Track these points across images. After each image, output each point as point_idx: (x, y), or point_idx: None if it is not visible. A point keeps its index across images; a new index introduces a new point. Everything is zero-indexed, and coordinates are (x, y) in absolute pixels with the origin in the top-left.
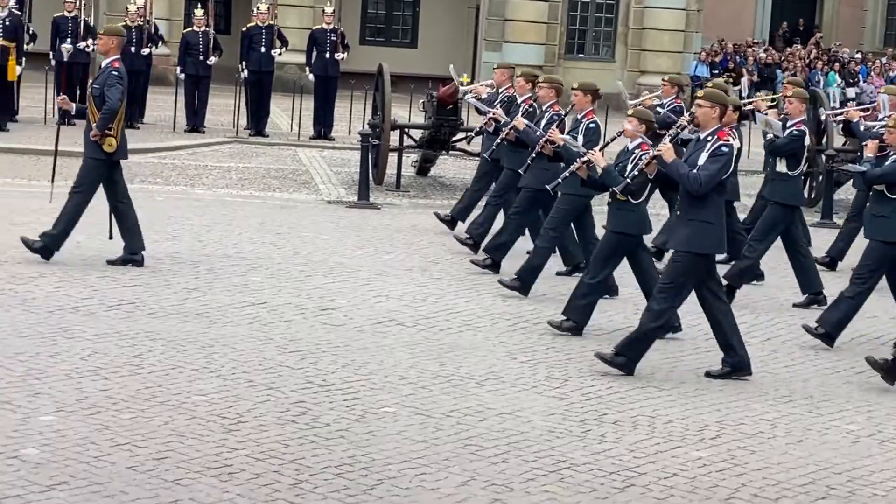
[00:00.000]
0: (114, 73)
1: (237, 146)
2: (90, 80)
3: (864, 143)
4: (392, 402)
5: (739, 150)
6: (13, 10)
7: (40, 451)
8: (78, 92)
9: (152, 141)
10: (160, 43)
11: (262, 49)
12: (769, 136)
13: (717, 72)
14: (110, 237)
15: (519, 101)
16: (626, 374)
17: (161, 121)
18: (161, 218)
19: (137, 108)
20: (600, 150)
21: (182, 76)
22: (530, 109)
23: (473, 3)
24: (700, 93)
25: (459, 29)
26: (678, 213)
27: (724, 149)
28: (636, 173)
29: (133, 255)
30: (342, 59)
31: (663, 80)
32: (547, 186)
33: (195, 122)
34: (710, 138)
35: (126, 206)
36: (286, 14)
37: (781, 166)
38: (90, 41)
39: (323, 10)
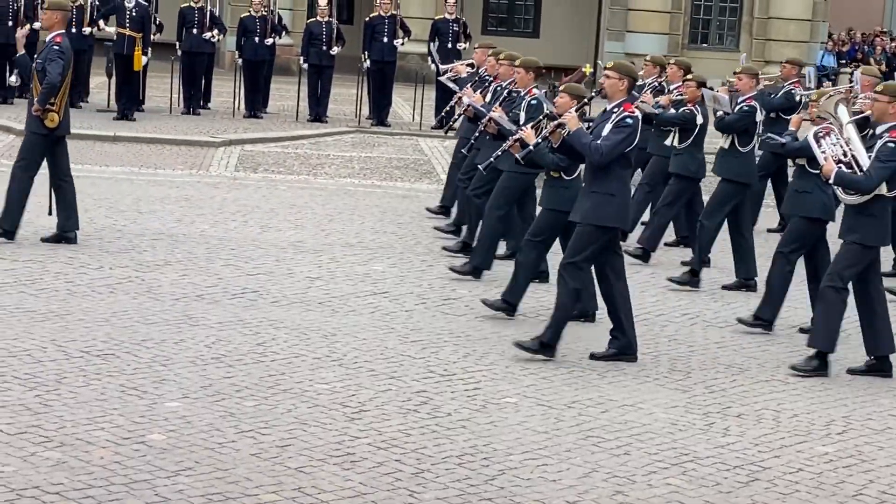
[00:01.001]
0: (55, 48)
1: (359, 136)
2: (36, 56)
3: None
4: (513, 393)
5: (704, 125)
6: (141, 0)
7: (166, 437)
8: (203, 82)
9: (275, 130)
10: (283, 33)
11: (385, 39)
12: (719, 112)
13: (844, 61)
14: (49, 213)
15: (489, 79)
16: (549, 359)
17: (284, 110)
18: (284, 207)
19: (261, 97)
20: (532, 128)
21: (305, 66)
22: (498, 88)
23: None
24: (609, 64)
25: (582, 18)
26: (583, 185)
27: (628, 120)
28: (539, 140)
29: (66, 233)
30: (464, 49)
31: (645, 60)
32: (479, 166)
33: (318, 111)
34: (615, 109)
35: (67, 183)
36: (409, 4)
37: (727, 142)
38: (215, 31)
39: (445, 0)
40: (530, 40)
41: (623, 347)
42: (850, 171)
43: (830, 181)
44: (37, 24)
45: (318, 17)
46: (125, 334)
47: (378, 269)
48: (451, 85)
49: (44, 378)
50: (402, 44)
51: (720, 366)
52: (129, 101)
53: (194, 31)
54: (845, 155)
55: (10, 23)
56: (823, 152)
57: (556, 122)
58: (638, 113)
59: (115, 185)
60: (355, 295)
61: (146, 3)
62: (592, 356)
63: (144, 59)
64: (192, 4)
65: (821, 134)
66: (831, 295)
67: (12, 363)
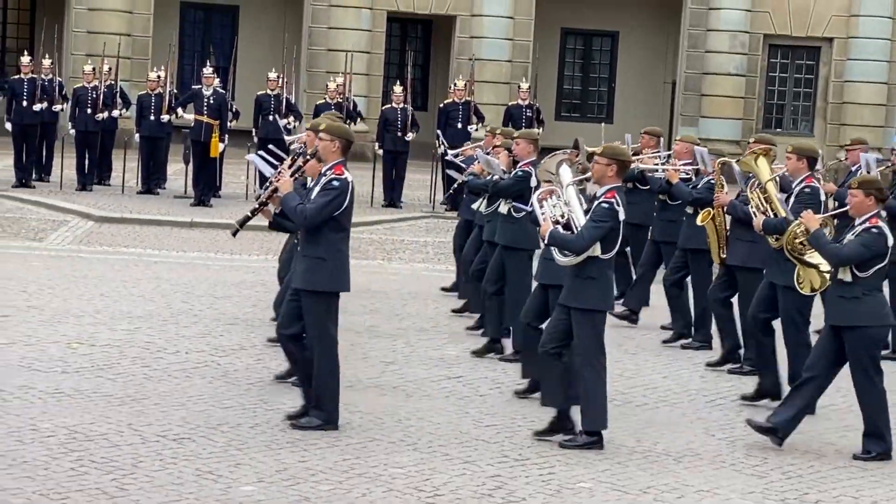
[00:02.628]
0: None
1: (434, 221)
2: None
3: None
4: (588, 478)
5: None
6: (218, 88)
7: None
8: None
9: None
10: (359, 119)
11: (459, 125)
12: (494, 176)
13: None
14: None
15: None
16: (331, 429)
17: (359, 196)
18: (359, 291)
19: None
20: (267, 198)
21: (380, 152)
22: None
23: (670, 79)
24: (322, 126)
25: (655, 104)
26: (298, 249)
27: (335, 183)
28: (256, 206)
29: None
30: (538, 134)
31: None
32: (230, 231)
33: (392, 197)
34: (326, 172)
35: None
36: (483, 90)
37: (505, 208)
38: (291, 118)
39: (519, 86)
40: (604, 126)
41: (328, 420)
42: (568, 232)
43: (545, 241)
44: (115, 112)
45: (393, 104)
46: (201, 418)
47: (452, 353)
48: (266, 160)
49: (120, 462)
50: (476, 129)
51: (797, 451)
52: (206, 187)
53: (270, 117)
54: (563, 216)
55: (89, 110)
56: (543, 213)
57: (272, 188)
58: (347, 175)
59: (192, 270)
60: (430, 379)
61: (224, 91)
62: (293, 426)
63: (221, 146)
64: (269, 92)
65: (542, 196)
66: (589, 372)
67: (89, 447)
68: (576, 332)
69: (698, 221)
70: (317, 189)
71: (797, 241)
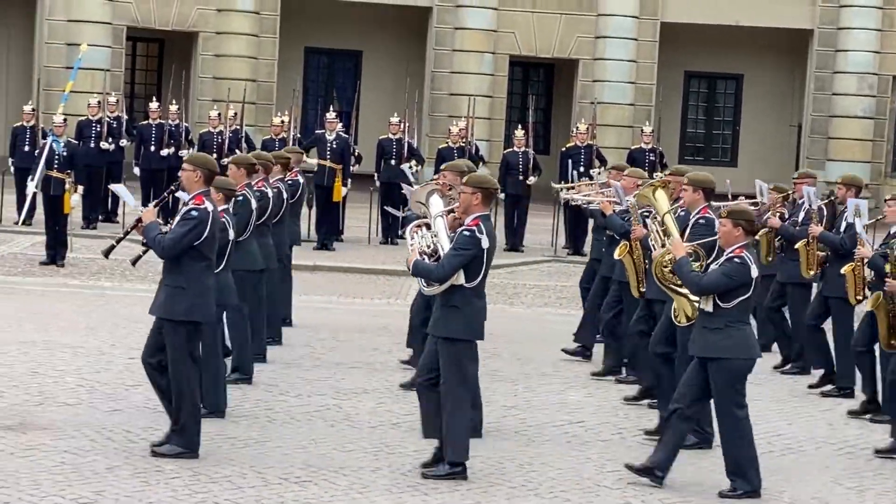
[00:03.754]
0: None
1: (556, 265)
2: None
3: None
4: None
5: None
6: (341, 132)
7: None
8: (401, 215)
9: None
10: (480, 163)
11: (581, 169)
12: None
13: None
14: None
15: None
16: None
17: None
18: None
19: None
20: (132, 228)
21: (501, 196)
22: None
23: (795, 122)
24: (186, 157)
25: (781, 147)
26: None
27: (193, 213)
28: (122, 235)
29: None
30: (661, 178)
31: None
32: (103, 255)
33: (514, 241)
34: (188, 202)
35: None
36: (605, 133)
37: None
38: (413, 162)
39: (642, 130)
40: (728, 169)
41: (184, 444)
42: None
43: (410, 272)
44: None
45: (515, 148)
46: (323, 461)
47: (574, 398)
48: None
49: None
50: (599, 173)
51: None
52: (329, 231)
53: (393, 162)
54: (430, 247)
55: (215, 155)
56: (412, 244)
57: (136, 218)
58: (207, 205)
59: (314, 313)
60: (551, 424)
61: (346, 135)
62: (153, 453)
63: (344, 190)
64: (391, 136)
65: (414, 227)
66: (450, 403)
67: (213, 489)
68: (440, 361)
69: (616, 255)
70: (176, 218)
71: (666, 269)
